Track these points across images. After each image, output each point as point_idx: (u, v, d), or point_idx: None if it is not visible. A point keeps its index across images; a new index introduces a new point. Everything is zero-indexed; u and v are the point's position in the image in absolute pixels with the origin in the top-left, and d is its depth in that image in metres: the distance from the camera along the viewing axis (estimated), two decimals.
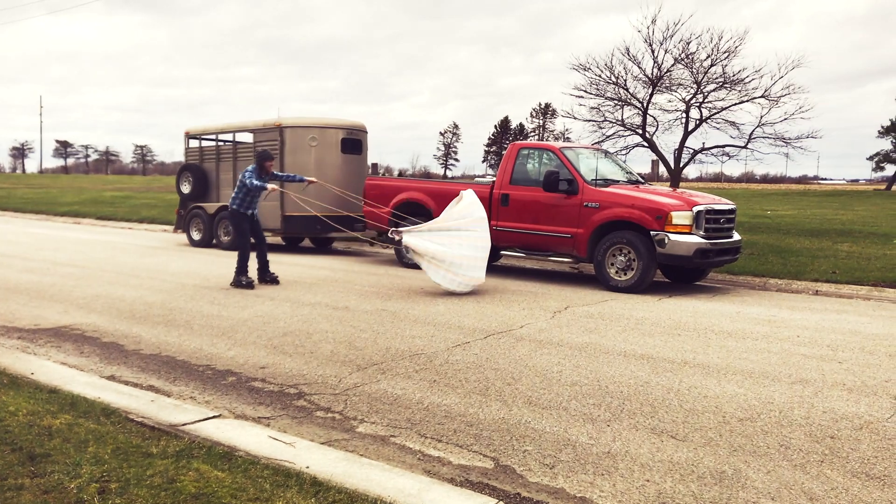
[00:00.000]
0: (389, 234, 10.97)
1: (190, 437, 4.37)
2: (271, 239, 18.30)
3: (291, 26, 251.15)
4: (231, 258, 14.67)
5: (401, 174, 71.26)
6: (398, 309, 8.99)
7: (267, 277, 10.99)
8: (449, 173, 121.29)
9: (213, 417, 4.83)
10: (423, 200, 13.47)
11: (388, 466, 4.06)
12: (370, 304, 9.30)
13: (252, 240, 11.07)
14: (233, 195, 10.94)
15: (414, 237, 10.30)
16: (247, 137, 17.24)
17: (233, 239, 15.46)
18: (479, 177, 17.42)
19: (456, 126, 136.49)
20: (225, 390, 5.62)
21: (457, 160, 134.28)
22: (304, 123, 16.25)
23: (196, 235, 17.48)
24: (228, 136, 17.75)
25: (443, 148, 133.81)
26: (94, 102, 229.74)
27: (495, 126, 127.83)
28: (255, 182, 10.68)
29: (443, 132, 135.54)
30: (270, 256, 15.29)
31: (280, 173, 11.70)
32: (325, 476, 3.82)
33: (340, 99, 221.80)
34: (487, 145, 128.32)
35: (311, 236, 17.27)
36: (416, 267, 13.34)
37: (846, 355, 6.99)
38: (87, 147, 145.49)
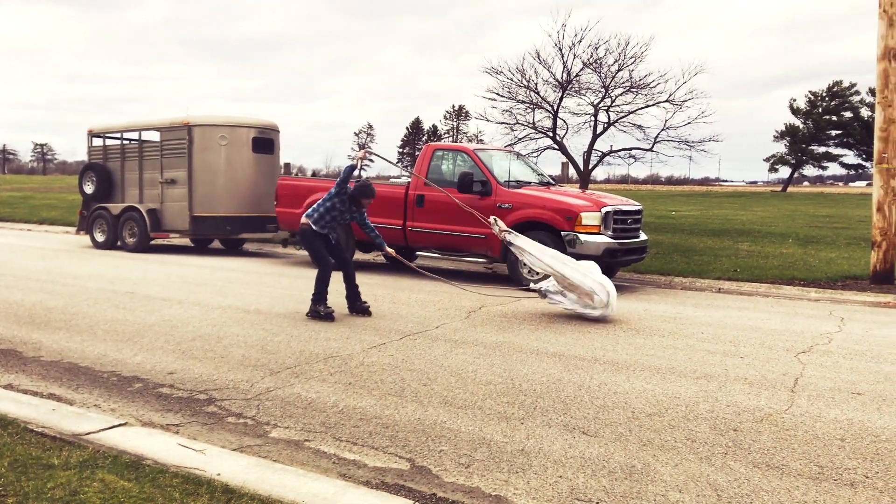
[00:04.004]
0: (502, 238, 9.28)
1: (94, 447, 4.20)
2: (178, 241, 17.85)
3: (218, 23, 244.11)
4: (138, 261, 14.22)
5: (314, 174, 70.51)
6: None
7: (357, 307, 8.86)
8: (363, 174, 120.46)
9: (119, 425, 4.65)
10: None
11: (302, 471, 4.01)
12: (283, 307, 9.16)
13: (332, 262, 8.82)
14: (312, 208, 8.82)
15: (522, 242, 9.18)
16: (154, 136, 16.74)
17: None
18: (393, 177, 17.52)
19: (370, 126, 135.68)
20: (131, 397, 5.44)
21: (370, 160, 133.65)
22: (214, 122, 15.90)
23: (100, 237, 16.87)
24: (134, 135, 17.19)
25: (357, 148, 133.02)
26: None
27: (407, 128, 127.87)
28: (344, 175, 8.64)
29: (357, 132, 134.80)
30: (177, 258, 14.92)
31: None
32: (236, 483, 3.74)
33: (263, 98, 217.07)
34: (400, 147, 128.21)
35: (221, 238, 16.91)
36: None
37: (747, 350, 7.29)
38: None
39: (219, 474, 3.85)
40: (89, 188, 17.24)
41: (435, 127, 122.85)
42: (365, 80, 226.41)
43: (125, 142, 17.30)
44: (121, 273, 12.16)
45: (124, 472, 3.81)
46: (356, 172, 9.03)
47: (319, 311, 8.51)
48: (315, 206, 8.80)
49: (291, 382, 5.81)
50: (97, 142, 17.66)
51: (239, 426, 4.83)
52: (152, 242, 16.52)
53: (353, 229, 12.97)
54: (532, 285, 9.44)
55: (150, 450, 4.22)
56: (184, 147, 15.77)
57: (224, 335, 7.46)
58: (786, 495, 3.85)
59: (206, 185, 15.72)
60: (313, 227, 8.70)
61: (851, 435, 4.80)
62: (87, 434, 4.45)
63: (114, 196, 17.10)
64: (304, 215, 8.80)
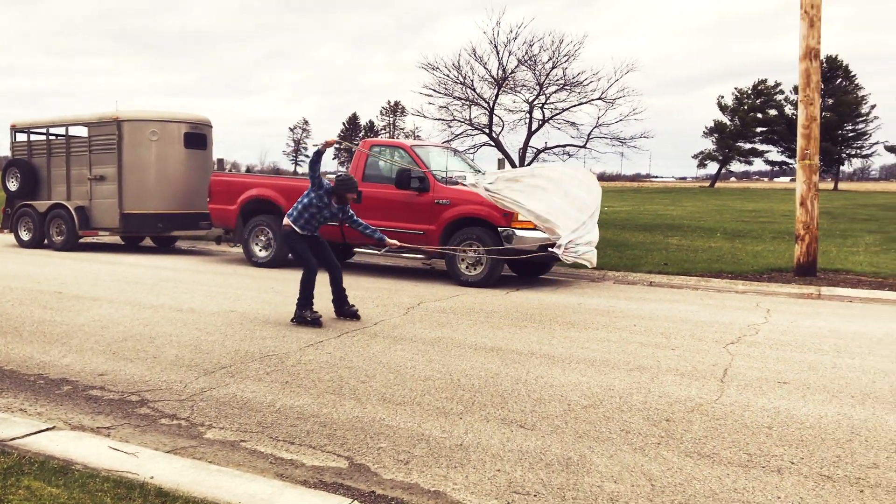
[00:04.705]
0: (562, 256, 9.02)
1: (20, 453, 4.07)
2: (108, 239, 17.39)
3: (148, 16, 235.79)
4: (66, 259, 13.79)
5: (248, 170, 69.54)
6: (247, 309, 8.76)
7: (345, 311, 8.50)
8: (299, 170, 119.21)
9: (47, 430, 4.51)
10: (273, 197, 13.18)
11: (238, 472, 3.95)
12: (217, 306, 9.00)
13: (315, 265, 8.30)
14: (292, 207, 8.34)
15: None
16: (82, 131, 16.24)
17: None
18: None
19: (306, 122, 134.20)
20: (60, 400, 5.27)
21: (307, 156, 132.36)
22: (144, 117, 15.52)
23: (25, 235, 16.34)
24: (61, 130, 16.65)
25: (293, 144, 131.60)
26: None
27: (344, 123, 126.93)
28: (311, 161, 8.20)
29: (292, 128, 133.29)
30: (107, 257, 14.54)
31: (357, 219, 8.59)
32: (171, 486, 3.67)
33: (196, 93, 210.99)
34: (337, 142, 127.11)
35: (152, 235, 16.52)
36: (266, 266, 13.06)
37: (678, 342, 7.47)
38: None
39: (152, 477, 3.77)
40: (13, 185, 16.66)
41: (372, 123, 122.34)
42: (300, 74, 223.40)
43: (51, 137, 16.75)
44: (48, 272, 11.78)
45: (52, 478, 3.70)
46: (329, 149, 8.52)
47: (306, 316, 8.06)
48: (294, 205, 8.32)
49: (226, 382, 5.72)
50: (21, 137, 17.07)
51: (173, 427, 4.74)
52: (81, 241, 16.03)
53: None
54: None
55: (79, 454, 4.10)
56: (113, 143, 15.35)
57: (156, 335, 7.29)
58: (717, 483, 3.96)
59: (136, 182, 15.33)
60: (295, 228, 8.20)
61: (778, 423, 4.97)
62: (11, 440, 4.30)
63: (40, 193, 16.55)
64: (286, 216, 8.31)
